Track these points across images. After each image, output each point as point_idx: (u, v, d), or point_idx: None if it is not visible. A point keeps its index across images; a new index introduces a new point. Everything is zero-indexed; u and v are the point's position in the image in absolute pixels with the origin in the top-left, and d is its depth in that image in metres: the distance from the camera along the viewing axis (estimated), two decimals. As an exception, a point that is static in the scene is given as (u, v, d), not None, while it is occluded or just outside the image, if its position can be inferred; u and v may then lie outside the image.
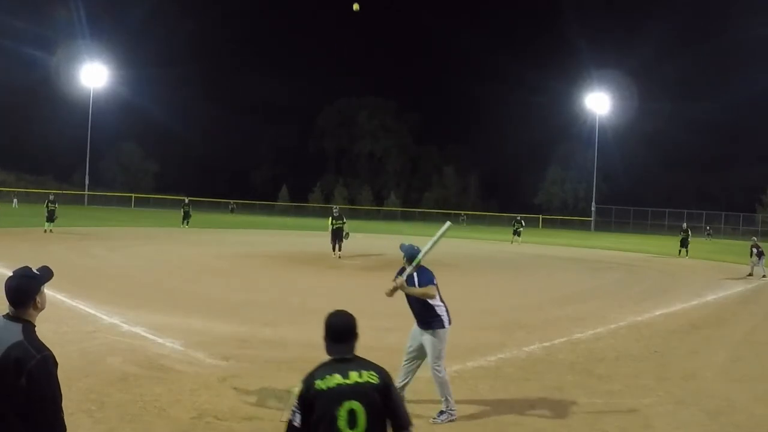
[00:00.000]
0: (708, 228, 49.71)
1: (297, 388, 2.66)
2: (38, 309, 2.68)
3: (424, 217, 68.62)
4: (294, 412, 2.64)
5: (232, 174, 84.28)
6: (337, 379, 2.59)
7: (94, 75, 59.07)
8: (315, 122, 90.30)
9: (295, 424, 2.62)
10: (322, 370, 2.65)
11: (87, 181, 60.21)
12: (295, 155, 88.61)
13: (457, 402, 5.81)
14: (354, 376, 2.59)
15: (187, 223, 32.46)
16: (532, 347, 8.38)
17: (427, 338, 5.42)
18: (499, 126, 77.90)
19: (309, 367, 2.54)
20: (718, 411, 6.00)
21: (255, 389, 6.05)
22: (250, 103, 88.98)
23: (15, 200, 48.35)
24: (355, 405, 2.53)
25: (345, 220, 20.50)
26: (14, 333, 2.55)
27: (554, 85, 76.40)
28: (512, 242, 32.18)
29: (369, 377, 2.61)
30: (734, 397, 6.46)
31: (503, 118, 76.54)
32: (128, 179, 73.21)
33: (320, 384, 2.59)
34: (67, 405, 5.46)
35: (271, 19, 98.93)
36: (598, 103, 60.53)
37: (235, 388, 6.05)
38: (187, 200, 34.81)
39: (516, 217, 35.43)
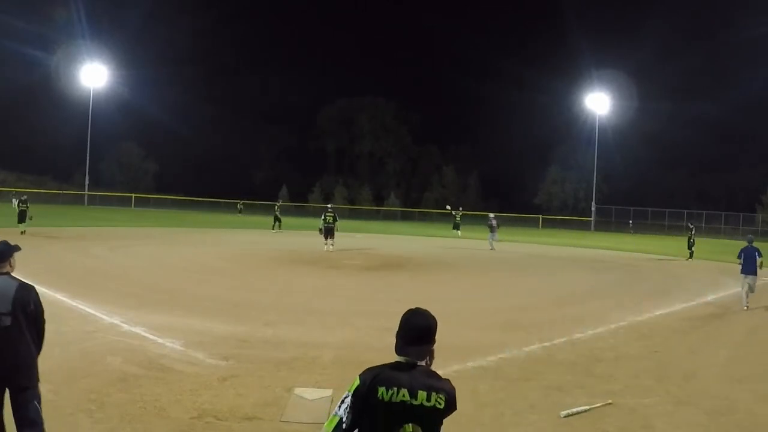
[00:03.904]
0: (631, 222, 54.02)
1: (355, 382, 2.45)
2: (12, 268, 4.23)
3: (424, 217, 68.59)
4: (346, 410, 2.42)
5: (232, 174, 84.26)
6: (403, 395, 2.39)
7: (94, 75, 59.02)
8: (315, 122, 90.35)
9: (344, 425, 2.41)
10: (389, 375, 2.43)
11: (87, 181, 60.16)
12: (295, 155, 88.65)
13: (458, 402, 5.80)
14: (422, 397, 2.40)
15: (279, 226, 32.49)
16: (532, 347, 8.38)
17: (753, 278, 12.73)
18: (499, 126, 78.01)
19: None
20: (718, 411, 6.00)
21: (255, 389, 6.05)
22: (250, 103, 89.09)
23: (14, 200, 48.26)
24: (416, 428, 2.41)
25: (337, 218, 23.09)
26: (10, 281, 4.10)
27: (554, 85, 76.48)
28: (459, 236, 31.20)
29: (437, 401, 2.42)
30: (734, 397, 6.46)
31: (503, 118, 76.63)
32: (128, 179, 73.14)
33: (384, 394, 2.39)
34: (67, 405, 5.48)
35: (271, 20, 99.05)
36: (598, 103, 60.48)
37: (235, 388, 6.05)
38: (280, 203, 34.99)
39: (449, 208, 33.82)
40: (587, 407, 5.86)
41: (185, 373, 6.49)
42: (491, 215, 28.83)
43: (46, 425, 4.93)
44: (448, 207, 32.92)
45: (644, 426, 5.55)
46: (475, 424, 5.44)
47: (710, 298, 14.35)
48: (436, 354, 2.60)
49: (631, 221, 56.25)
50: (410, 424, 2.39)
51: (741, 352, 8.84)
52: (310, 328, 9.13)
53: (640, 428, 5.51)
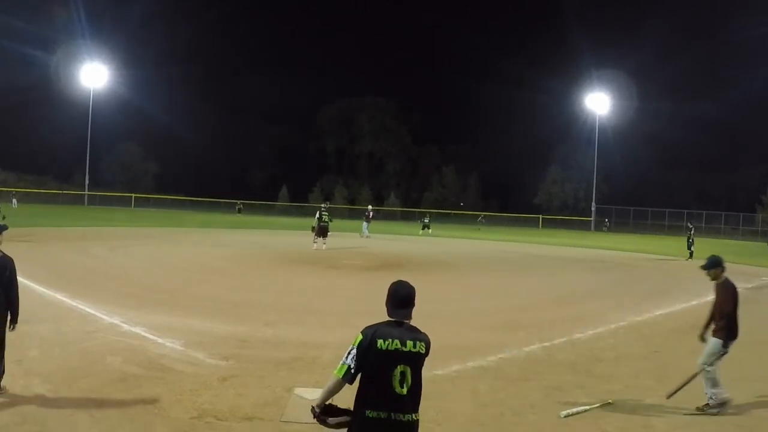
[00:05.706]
0: (606, 221, 57.91)
1: (358, 338, 3.18)
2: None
3: (424, 218, 68.54)
4: (352, 359, 3.15)
5: (232, 174, 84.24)
6: (396, 344, 3.16)
7: (94, 75, 59.02)
8: (315, 122, 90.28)
9: (353, 371, 3.14)
10: (384, 330, 3.20)
11: (87, 181, 60.20)
12: (295, 155, 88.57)
13: (458, 402, 5.81)
14: (410, 345, 3.18)
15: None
16: (532, 347, 8.37)
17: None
18: (499, 126, 78.00)
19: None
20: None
21: (255, 389, 6.05)
22: (250, 103, 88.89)
23: (14, 200, 48.27)
24: (406, 369, 3.16)
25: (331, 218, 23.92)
26: None
27: (554, 85, 76.40)
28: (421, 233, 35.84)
29: (420, 347, 3.20)
30: (734, 397, 6.45)
31: (503, 118, 76.62)
32: (128, 179, 73.12)
33: (382, 344, 3.15)
34: (67, 405, 5.48)
35: (271, 20, 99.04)
36: (598, 103, 60.50)
37: (235, 388, 6.05)
38: (327, 205, 35.57)
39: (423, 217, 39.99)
40: (587, 407, 5.86)
41: (185, 373, 6.49)
42: (369, 207, 35.94)
43: (46, 425, 4.94)
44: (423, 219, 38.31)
45: (644, 426, 5.56)
46: (475, 424, 5.44)
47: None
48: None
49: (606, 220, 59.68)
50: (402, 365, 3.16)
51: (741, 352, 8.81)
52: (310, 328, 9.13)
53: (640, 428, 5.51)
